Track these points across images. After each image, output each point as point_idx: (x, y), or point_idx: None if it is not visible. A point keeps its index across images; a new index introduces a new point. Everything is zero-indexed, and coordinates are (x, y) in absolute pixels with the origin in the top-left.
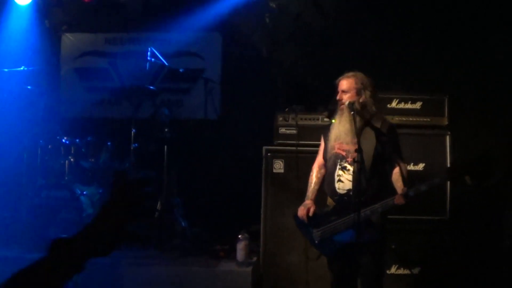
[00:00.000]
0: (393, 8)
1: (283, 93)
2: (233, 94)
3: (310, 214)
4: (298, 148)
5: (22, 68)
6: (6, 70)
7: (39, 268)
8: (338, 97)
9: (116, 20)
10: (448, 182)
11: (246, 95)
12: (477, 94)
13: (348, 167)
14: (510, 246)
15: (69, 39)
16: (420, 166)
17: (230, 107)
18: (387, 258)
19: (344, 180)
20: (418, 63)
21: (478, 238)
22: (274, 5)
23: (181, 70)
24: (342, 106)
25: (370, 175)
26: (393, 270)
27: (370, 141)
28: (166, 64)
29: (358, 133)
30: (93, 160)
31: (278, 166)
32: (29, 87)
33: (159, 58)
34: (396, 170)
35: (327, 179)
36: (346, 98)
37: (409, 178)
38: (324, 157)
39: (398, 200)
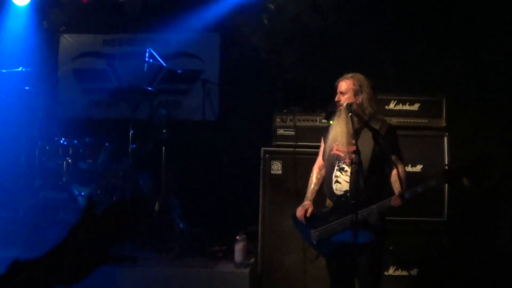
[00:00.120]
0: (391, 9)
1: (281, 94)
2: (232, 95)
3: (308, 214)
4: (296, 149)
5: (20, 69)
6: (4, 71)
7: None
8: (336, 99)
9: (114, 21)
10: (446, 184)
11: (244, 96)
12: (475, 96)
13: (346, 168)
14: (507, 247)
15: (67, 40)
16: (418, 168)
17: (228, 108)
18: (385, 260)
19: (342, 181)
20: (416, 64)
21: (475, 239)
22: (272, 6)
23: (179, 71)
24: (340, 107)
25: (368, 176)
26: (391, 271)
27: (368, 142)
28: (164, 65)
29: (356, 134)
30: (91, 161)
31: (276, 167)
32: (27, 88)
33: (157, 59)
34: (395, 172)
35: (325, 180)
36: (344, 100)
37: (407, 179)
38: (324, 158)
39: (394, 201)
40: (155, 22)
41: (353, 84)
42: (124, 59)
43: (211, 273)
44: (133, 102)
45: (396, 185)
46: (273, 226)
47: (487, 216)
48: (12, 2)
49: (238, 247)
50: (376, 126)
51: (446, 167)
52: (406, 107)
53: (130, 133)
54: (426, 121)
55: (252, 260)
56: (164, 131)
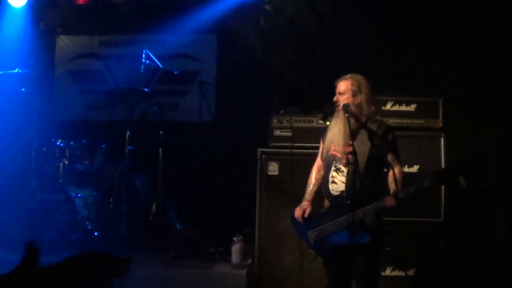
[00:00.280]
0: (388, 11)
1: (278, 95)
2: (228, 97)
3: (306, 215)
4: (293, 150)
5: (16, 71)
6: (0, 72)
7: None
8: (335, 99)
9: (110, 22)
10: (441, 184)
11: (241, 97)
12: (471, 97)
13: (342, 168)
14: (503, 248)
15: (63, 42)
16: (415, 168)
17: (225, 110)
18: (382, 260)
19: (338, 181)
20: (412, 65)
21: (472, 240)
22: (269, 8)
23: (176, 72)
24: (338, 108)
25: (364, 177)
26: (388, 272)
27: (364, 143)
28: (161, 66)
29: (353, 135)
30: (87, 162)
31: (273, 168)
32: (23, 89)
33: (154, 60)
34: (392, 173)
35: (323, 180)
36: (342, 100)
37: (403, 180)
38: (322, 159)
39: (388, 202)
40: (151, 23)
41: (352, 84)
42: (120, 60)
43: (208, 274)
44: (130, 103)
45: (392, 186)
46: (270, 227)
47: (483, 216)
48: (8, 3)
49: (235, 248)
50: (374, 126)
51: (439, 168)
52: (403, 107)
53: (127, 134)
54: (423, 121)
55: (249, 261)
56: (160, 132)
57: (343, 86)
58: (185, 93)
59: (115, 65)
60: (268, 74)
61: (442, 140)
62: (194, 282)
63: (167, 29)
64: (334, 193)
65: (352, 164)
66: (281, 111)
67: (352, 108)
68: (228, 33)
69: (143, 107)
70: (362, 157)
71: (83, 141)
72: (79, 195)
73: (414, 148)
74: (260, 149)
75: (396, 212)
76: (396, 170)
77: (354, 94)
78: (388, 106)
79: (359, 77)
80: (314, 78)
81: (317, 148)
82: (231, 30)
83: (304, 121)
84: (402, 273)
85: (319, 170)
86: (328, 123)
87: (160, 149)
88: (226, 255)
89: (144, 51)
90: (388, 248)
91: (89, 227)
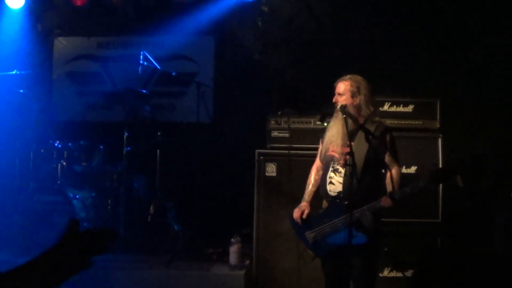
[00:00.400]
0: (385, 12)
1: (276, 96)
2: (226, 98)
3: (304, 216)
4: (291, 151)
5: (14, 72)
6: None
7: None
8: (334, 100)
9: (108, 23)
10: (440, 185)
11: (238, 99)
12: (469, 97)
13: (340, 169)
14: (501, 249)
15: (61, 43)
16: (413, 169)
17: (223, 111)
18: (380, 261)
19: (335, 182)
20: (410, 66)
21: (470, 241)
22: (266, 9)
23: (173, 74)
24: (337, 108)
25: (361, 178)
26: (385, 273)
27: (362, 144)
28: (159, 67)
29: (350, 135)
30: (85, 164)
31: (271, 170)
32: (21, 91)
33: (152, 61)
34: (389, 174)
35: (321, 181)
36: (341, 101)
37: (402, 181)
38: (321, 159)
39: (384, 202)
40: (149, 25)
41: (351, 85)
42: (118, 61)
43: (206, 276)
44: (128, 105)
45: (389, 187)
46: (268, 228)
47: (481, 217)
48: (6, 5)
49: (233, 249)
50: (372, 127)
51: (434, 169)
52: (400, 108)
53: (125, 135)
54: (420, 122)
55: (247, 262)
56: (158, 133)
57: (342, 87)
58: (182, 94)
59: (113, 66)
60: (266, 75)
61: (439, 141)
62: (192, 283)
63: (165, 31)
64: (332, 193)
65: (349, 165)
66: (279, 112)
67: (351, 109)
68: (226, 34)
69: (140, 108)
70: (360, 158)
71: (81, 142)
72: (77, 196)
73: (411, 149)
74: (257, 150)
75: (394, 212)
76: (394, 171)
77: (353, 95)
78: (386, 107)
79: (358, 78)
80: (312, 79)
81: (315, 149)
82: (229, 31)
83: (302, 122)
84: (400, 274)
85: (318, 171)
86: (325, 124)
87: (158, 150)
88: (224, 256)
89: (141, 52)
90: (386, 249)
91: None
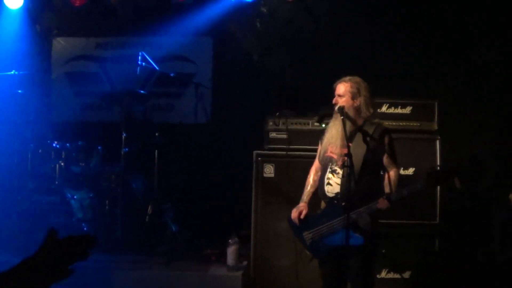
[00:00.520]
0: (383, 14)
1: (274, 97)
2: (224, 99)
3: (302, 216)
4: (289, 152)
5: (13, 72)
6: None
7: None
8: (334, 101)
9: (107, 24)
10: (438, 187)
11: (236, 100)
12: (467, 99)
13: (338, 170)
14: (499, 250)
15: (60, 43)
16: (410, 171)
17: (221, 112)
18: (378, 262)
19: (333, 183)
20: (408, 68)
21: (468, 242)
22: (265, 10)
23: (172, 75)
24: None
25: (359, 179)
26: (383, 274)
27: (360, 145)
28: (157, 68)
29: (349, 137)
30: (83, 164)
31: (269, 171)
32: (20, 91)
33: (150, 62)
34: (387, 175)
35: (319, 182)
36: (341, 102)
37: (399, 182)
38: (319, 160)
39: (381, 204)
40: (147, 26)
41: (351, 87)
42: (116, 62)
43: (203, 277)
44: (126, 105)
45: (387, 189)
46: (266, 229)
47: (479, 219)
48: (5, 5)
49: (231, 250)
50: (370, 129)
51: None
52: (398, 110)
53: (123, 136)
54: (418, 124)
55: (245, 263)
56: (156, 134)
57: (343, 88)
58: (181, 95)
59: (111, 67)
60: (264, 76)
61: (437, 142)
62: (190, 284)
63: (163, 31)
64: (329, 195)
65: (347, 166)
66: (277, 113)
67: (351, 111)
68: (224, 35)
69: (133, 108)
70: (358, 160)
71: (79, 142)
72: (75, 197)
73: (409, 150)
74: (255, 151)
75: (392, 214)
76: (392, 172)
77: (353, 97)
78: (384, 109)
79: (358, 79)
80: (310, 81)
81: (313, 150)
82: (227, 32)
83: (300, 123)
84: (397, 276)
85: (317, 172)
86: (323, 125)
87: (156, 151)
88: (221, 257)
89: (140, 53)
90: (383, 250)
91: (85, 228)
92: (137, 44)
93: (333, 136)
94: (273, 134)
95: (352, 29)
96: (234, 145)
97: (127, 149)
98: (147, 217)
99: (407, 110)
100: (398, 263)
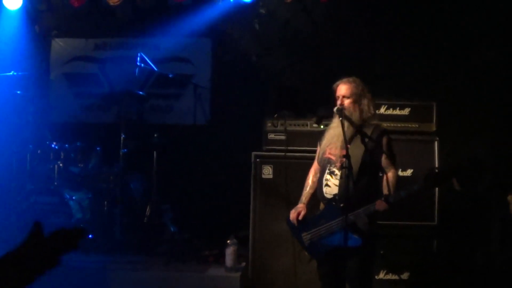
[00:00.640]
0: (382, 14)
1: (272, 98)
2: (223, 100)
3: (300, 217)
4: (287, 154)
5: (11, 73)
6: None
7: None
8: (339, 102)
9: (106, 25)
10: (436, 188)
11: (235, 101)
12: (465, 100)
13: (336, 171)
14: (498, 251)
15: (58, 44)
16: (409, 172)
17: (220, 113)
18: (376, 263)
19: (331, 184)
20: (406, 69)
21: (466, 243)
22: (263, 11)
23: (170, 76)
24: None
25: (357, 180)
26: (381, 275)
27: (359, 146)
28: (156, 69)
29: (347, 138)
30: (82, 165)
31: (267, 172)
32: (18, 92)
33: (149, 63)
34: (385, 177)
35: (318, 183)
36: (347, 103)
37: (397, 184)
38: (318, 162)
39: (379, 205)
40: (146, 27)
41: (356, 88)
42: (115, 63)
43: (202, 277)
44: (125, 106)
45: (385, 190)
46: (264, 230)
47: (477, 220)
48: (4, 6)
49: (229, 251)
50: (368, 130)
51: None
52: (397, 111)
53: (122, 137)
54: (417, 125)
55: (243, 264)
56: (155, 135)
57: (348, 89)
58: (179, 96)
59: (110, 68)
60: (262, 77)
61: (436, 144)
62: (188, 284)
63: (162, 33)
64: (328, 196)
65: (346, 167)
66: (275, 115)
67: (355, 112)
68: (223, 37)
69: (131, 109)
70: (356, 161)
71: (78, 143)
72: (73, 198)
73: (408, 152)
74: (254, 153)
75: (390, 215)
76: (390, 174)
77: (358, 98)
78: (382, 110)
79: (359, 80)
80: (308, 82)
81: (311, 151)
82: (226, 34)
83: (298, 125)
84: (396, 277)
85: (316, 173)
86: (322, 126)
87: (155, 152)
88: (220, 258)
89: (139, 54)
90: (382, 251)
91: None
92: (135, 45)
93: (332, 137)
94: (271, 135)
95: (350, 30)
96: (232, 146)
97: (125, 150)
98: (145, 218)
99: (406, 111)
100: (397, 264)
